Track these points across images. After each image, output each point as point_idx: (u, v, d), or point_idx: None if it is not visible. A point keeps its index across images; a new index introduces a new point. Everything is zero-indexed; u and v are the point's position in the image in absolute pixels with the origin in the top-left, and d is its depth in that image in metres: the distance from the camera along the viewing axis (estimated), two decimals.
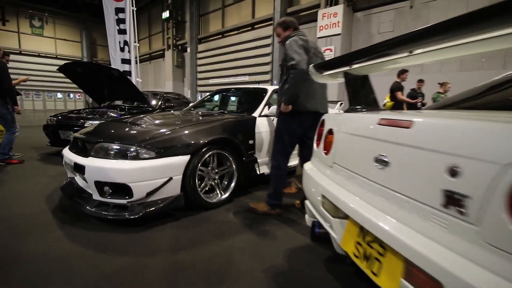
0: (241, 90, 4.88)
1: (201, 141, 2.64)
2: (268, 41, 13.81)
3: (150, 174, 2.34)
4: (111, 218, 2.33)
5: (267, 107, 3.53)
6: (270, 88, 3.91)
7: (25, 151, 5.11)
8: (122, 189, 2.30)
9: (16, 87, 4.73)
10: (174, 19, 19.21)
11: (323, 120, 1.76)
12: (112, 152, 2.41)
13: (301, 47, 2.42)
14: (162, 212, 2.43)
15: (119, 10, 7.88)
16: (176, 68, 19.66)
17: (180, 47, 19.65)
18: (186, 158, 2.54)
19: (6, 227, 2.35)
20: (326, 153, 1.61)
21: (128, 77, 6.59)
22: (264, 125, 3.41)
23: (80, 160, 2.50)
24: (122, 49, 7.92)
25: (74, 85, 18.83)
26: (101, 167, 2.33)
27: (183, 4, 18.63)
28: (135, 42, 7.96)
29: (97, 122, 4.60)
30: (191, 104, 4.84)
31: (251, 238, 2.26)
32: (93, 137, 2.67)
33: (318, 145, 1.76)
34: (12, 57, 17.02)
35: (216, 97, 5.05)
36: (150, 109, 5.66)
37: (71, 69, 5.02)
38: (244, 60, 15.10)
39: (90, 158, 2.45)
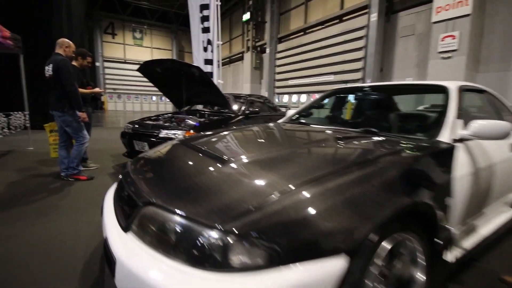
0: (389, 88, 2.76)
1: (373, 218, 1.03)
2: (361, 33, 11.66)
3: None
4: None
5: (458, 121, 1.73)
6: (453, 86, 1.97)
7: (103, 160, 4.66)
8: None
9: (107, 91, 4.31)
10: (254, 20, 18.65)
11: None
12: (169, 237, 1.03)
13: None
14: None
15: (204, 7, 7.17)
16: (254, 70, 19.02)
17: (259, 48, 18.99)
18: (339, 263, 0.93)
19: None
20: None
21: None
22: (466, 159, 1.59)
23: (113, 239, 1.18)
24: (205, 49, 7.20)
25: None
26: (142, 278, 0.94)
27: (264, 4, 17.82)
28: (218, 40, 7.13)
29: (173, 132, 3.71)
30: (290, 113, 2.94)
31: None
32: (141, 184, 1.36)
33: None
34: (117, 65, 18.89)
35: (333, 100, 3.12)
36: (233, 115, 4.62)
37: (150, 69, 4.34)
38: (329, 58, 13.26)
39: (129, 236, 1.15)
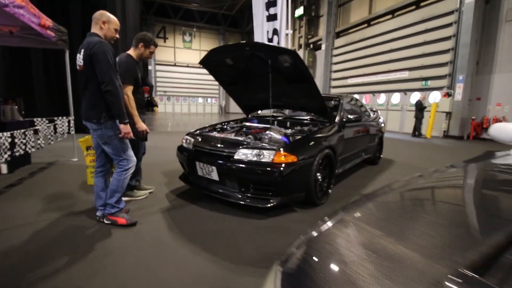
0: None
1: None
2: (449, 19, 9.36)
3: None
4: None
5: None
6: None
7: (153, 180, 3.53)
8: None
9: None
10: (307, 15, 16.98)
11: None
12: None
13: None
14: None
15: None
16: None
17: (311, 45, 17.26)
18: None
19: None
20: None
21: None
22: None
23: None
24: (270, 40, 5.86)
25: (212, 91, 19.41)
26: None
27: None
28: (288, 28, 5.70)
29: (256, 152, 2.36)
30: None
31: None
32: None
33: None
34: (167, 68, 18.63)
35: None
36: (327, 123, 3.15)
37: (217, 61, 3.06)
38: (403, 51, 11.08)
39: None
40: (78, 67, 2.12)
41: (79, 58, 2.08)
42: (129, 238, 2.07)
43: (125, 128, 2.08)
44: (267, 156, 2.33)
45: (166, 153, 5.20)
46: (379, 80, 12.35)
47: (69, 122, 4.52)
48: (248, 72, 3.13)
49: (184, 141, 3.06)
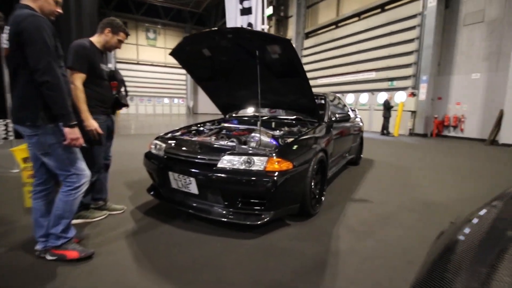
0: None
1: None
2: (413, 22, 9.77)
3: None
4: None
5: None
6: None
7: (122, 194, 2.95)
8: None
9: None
10: (277, 15, 16.90)
11: None
12: None
13: None
14: None
15: None
16: None
17: None
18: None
19: None
20: None
21: None
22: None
23: None
24: None
25: (179, 90, 18.47)
26: None
27: None
28: (263, 24, 5.37)
29: (244, 159, 1.96)
30: None
31: None
32: None
33: None
34: (130, 66, 17.29)
35: None
36: (316, 123, 2.85)
37: (192, 51, 2.57)
38: (370, 52, 11.38)
39: None
40: (2, 52, 1.54)
41: (3, 39, 1.51)
42: (82, 279, 1.54)
43: (72, 133, 1.54)
44: (258, 163, 1.94)
45: (129, 158, 4.56)
46: (348, 80, 12.59)
47: (6, 125, 3.70)
48: (230, 66, 2.71)
49: (152, 146, 2.55)
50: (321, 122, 2.93)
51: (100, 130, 2.06)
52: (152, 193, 2.47)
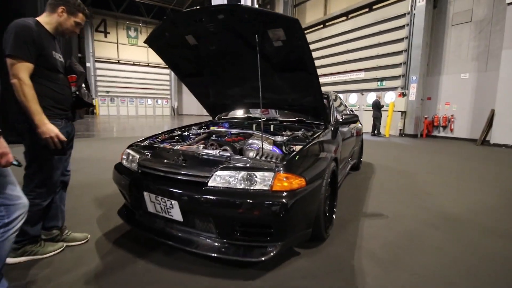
0: None
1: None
2: (402, 21, 9.63)
3: None
4: None
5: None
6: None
7: (87, 215, 2.37)
8: None
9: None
10: None
11: None
12: None
13: None
14: None
15: None
16: None
17: None
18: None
19: None
20: None
21: None
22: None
23: None
24: None
25: (163, 91, 17.69)
26: None
27: None
28: None
29: (245, 175, 1.49)
30: None
31: None
32: None
33: None
34: (110, 66, 16.33)
35: None
36: (322, 125, 2.42)
37: (171, 39, 2.06)
38: (358, 52, 11.18)
39: None
40: None
41: None
42: None
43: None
44: (262, 180, 1.48)
45: (102, 167, 3.95)
46: (337, 80, 12.37)
47: None
48: (220, 57, 2.21)
49: (124, 157, 2.02)
50: (327, 125, 2.50)
51: (62, 137, 1.53)
52: (123, 215, 1.94)
